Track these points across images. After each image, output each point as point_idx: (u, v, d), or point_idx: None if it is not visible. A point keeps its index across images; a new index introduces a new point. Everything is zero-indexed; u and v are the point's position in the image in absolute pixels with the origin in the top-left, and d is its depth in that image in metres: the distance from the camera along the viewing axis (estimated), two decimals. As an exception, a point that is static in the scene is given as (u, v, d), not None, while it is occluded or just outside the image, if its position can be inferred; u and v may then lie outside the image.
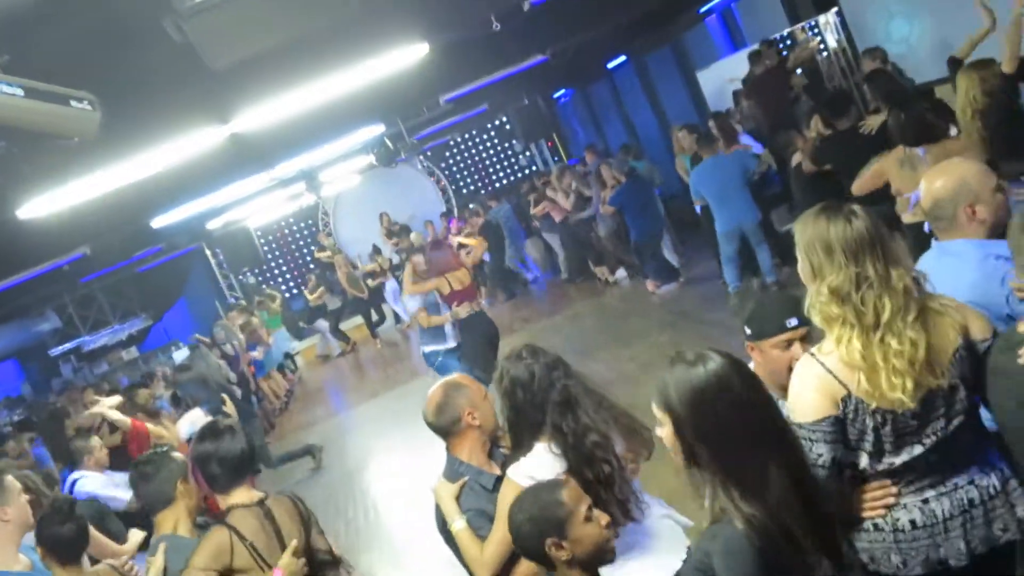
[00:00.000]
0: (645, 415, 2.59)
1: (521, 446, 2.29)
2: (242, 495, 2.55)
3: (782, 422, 1.73)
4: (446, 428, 2.46)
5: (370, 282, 13.96)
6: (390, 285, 13.94)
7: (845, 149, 5.40)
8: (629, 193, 9.15)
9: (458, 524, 2.34)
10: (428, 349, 6.71)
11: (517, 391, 2.28)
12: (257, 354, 11.01)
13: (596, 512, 1.99)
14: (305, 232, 17.53)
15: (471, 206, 14.25)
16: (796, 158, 6.25)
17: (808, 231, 1.97)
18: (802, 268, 2.00)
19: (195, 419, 5.30)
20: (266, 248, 16.70)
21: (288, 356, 13.15)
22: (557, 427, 2.24)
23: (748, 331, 2.13)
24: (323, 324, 14.28)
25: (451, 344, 6.60)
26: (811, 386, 1.90)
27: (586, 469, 2.22)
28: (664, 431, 1.75)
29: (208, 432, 2.60)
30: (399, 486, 6.55)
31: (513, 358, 2.34)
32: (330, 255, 14.80)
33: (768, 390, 1.75)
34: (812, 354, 1.95)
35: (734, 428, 1.66)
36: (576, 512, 1.95)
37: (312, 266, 15.87)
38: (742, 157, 7.24)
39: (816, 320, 1.95)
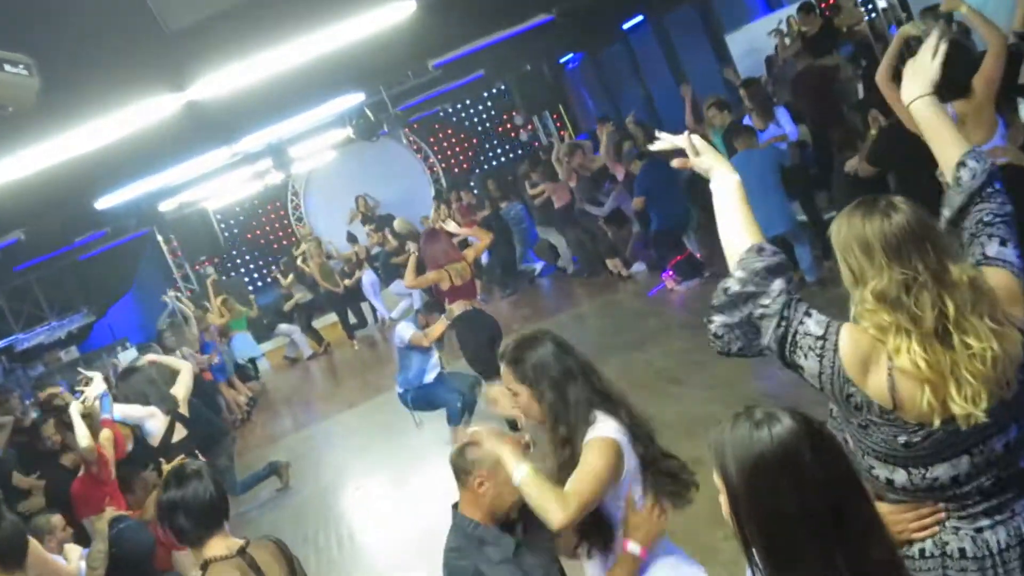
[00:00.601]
0: (660, 433, 2.63)
1: (573, 432, 2.47)
2: (219, 546, 2.54)
3: (862, 505, 1.60)
4: (457, 472, 2.52)
5: (347, 282, 13.99)
6: (367, 278, 13.98)
7: (905, 144, 5.36)
8: (652, 176, 9.18)
9: (522, 470, 2.35)
10: (400, 391, 6.79)
11: (547, 375, 2.50)
12: (213, 357, 11.04)
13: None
14: (272, 216, 17.56)
15: (463, 199, 14.23)
16: (850, 164, 6.18)
17: (843, 231, 1.98)
18: (843, 274, 2.01)
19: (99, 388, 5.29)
20: (227, 234, 16.71)
21: (250, 360, 13.19)
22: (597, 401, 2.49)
23: None
24: (286, 327, 14.32)
25: (430, 376, 6.69)
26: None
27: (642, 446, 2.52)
28: (721, 498, 1.67)
29: (172, 479, 2.59)
30: (380, 511, 6.57)
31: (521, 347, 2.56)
32: (304, 248, 14.84)
33: (848, 460, 1.65)
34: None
35: (792, 515, 1.55)
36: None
37: (281, 257, 15.87)
38: (776, 152, 7.25)
39: (872, 332, 1.93)
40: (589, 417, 2.48)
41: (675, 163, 2.24)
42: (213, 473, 2.67)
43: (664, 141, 2.26)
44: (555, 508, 2.30)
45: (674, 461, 2.57)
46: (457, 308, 6.61)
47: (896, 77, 5.11)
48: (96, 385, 5.32)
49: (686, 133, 2.21)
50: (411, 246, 6.85)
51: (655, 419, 2.58)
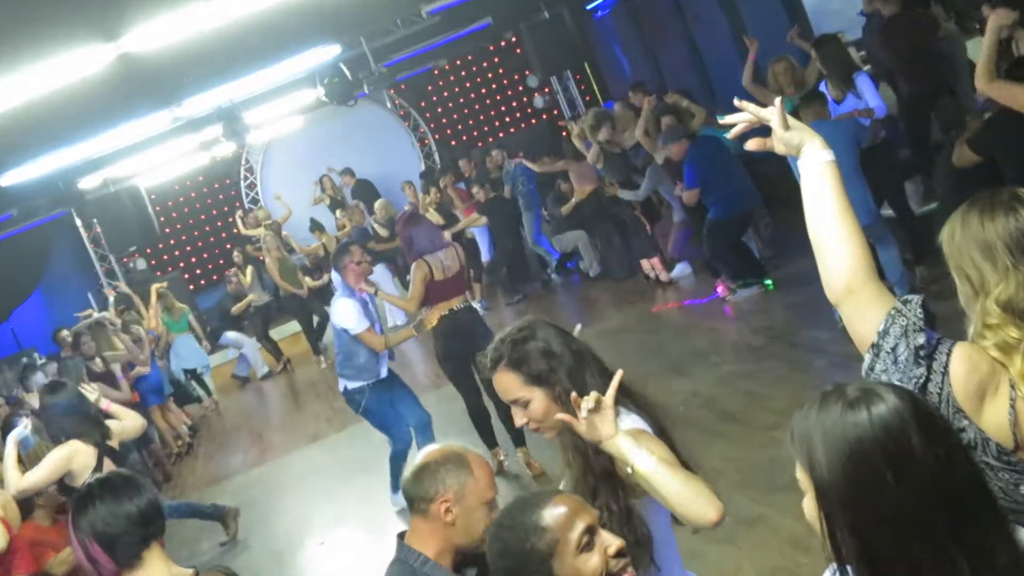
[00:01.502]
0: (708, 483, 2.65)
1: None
2: (159, 570, 2.67)
3: (983, 500, 1.58)
4: (413, 500, 2.65)
5: (312, 282, 14.05)
6: (337, 277, 14.07)
7: (1020, 130, 5.35)
8: (703, 155, 9.17)
9: (646, 460, 2.32)
10: (352, 386, 6.99)
11: (563, 365, 2.61)
12: (143, 368, 11.07)
13: (603, 536, 2.07)
14: (221, 198, 17.67)
15: (463, 173, 14.30)
16: (959, 154, 6.17)
17: (957, 236, 2.00)
18: (961, 291, 2.03)
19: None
20: (163, 220, 16.82)
21: (194, 376, 13.25)
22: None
23: None
24: (235, 336, 14.35)
25: (382, 374, 6.97)
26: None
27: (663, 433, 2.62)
28: (806, 500, 1.66)
29: (96, 489, 2.74)
30: (348, 573, 6.60)
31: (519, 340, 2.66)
32: (262, 232, 14.91)
33: (965, 448, 1.65)
34: None
35: (900, 515, 1.54)
36: (565, 541, 2.01)
37: (231, 248, 15.96)
38: (855, 128, 7.23)
39: (993, 353, 1.93)
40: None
41: (751, 144, 2.19)
42: (142, 480, 2.81)
43: (744, 113, 2.18)
44: (708, 501, 2.27)
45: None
46: (434, 317, 6.90)
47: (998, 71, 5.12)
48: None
49: (777, 101, 2.16)
50: (416, 273, 6.99)
51: (694, 460, 2.61)
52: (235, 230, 16.26)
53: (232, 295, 14.49)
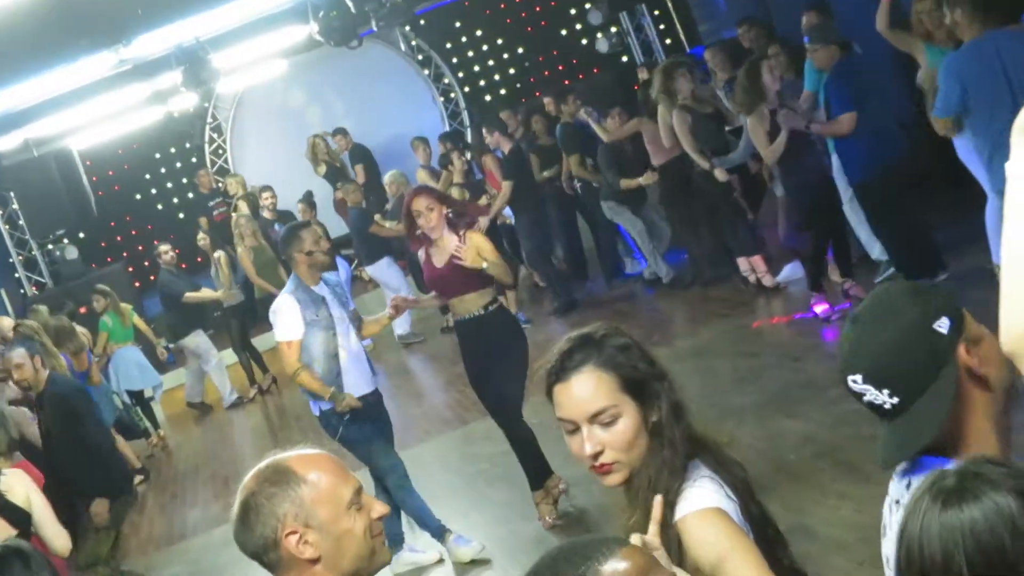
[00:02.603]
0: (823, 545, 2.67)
1: (671, 474, 2.61)
2: None
3: None
4: (256, 554, 2.59)
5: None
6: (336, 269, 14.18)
7: None
8: (852, 73, 9.16)
9: None
10: (326, 406, 7.25)
11: (666, 381, 2.68)
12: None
13: None
14: (178, 166, 17.84)
15: (494, 142, 14.33)
16: None
17: None
18: None
19: None
20: (103, 194, 17.00)
21: (137, 402, 13.37)
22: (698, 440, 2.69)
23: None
24: (198, 343, 14.42)
25: (365, 388, 7.30)
26: None
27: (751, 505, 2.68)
28: None
29: None
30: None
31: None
32: (233, 187, 15.05)
33: None
34: None
35: None
36: None
37: (193, 232, 16.11)
38: None
39: None
40: (687, 465, 2.63)
41: None
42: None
43: None
44: None
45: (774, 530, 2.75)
46: (429, 300, 7.81)
47: None
48: None
49: None
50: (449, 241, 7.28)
51: (808, 527, 2.65)
52: (199, 188, 16.43)
53: (179, 283, 14.49)
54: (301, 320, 7.00)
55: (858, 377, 2.27)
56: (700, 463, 2.61)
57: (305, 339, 7.04)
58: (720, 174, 10.64)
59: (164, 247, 14.29)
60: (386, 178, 14.41)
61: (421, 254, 7.53)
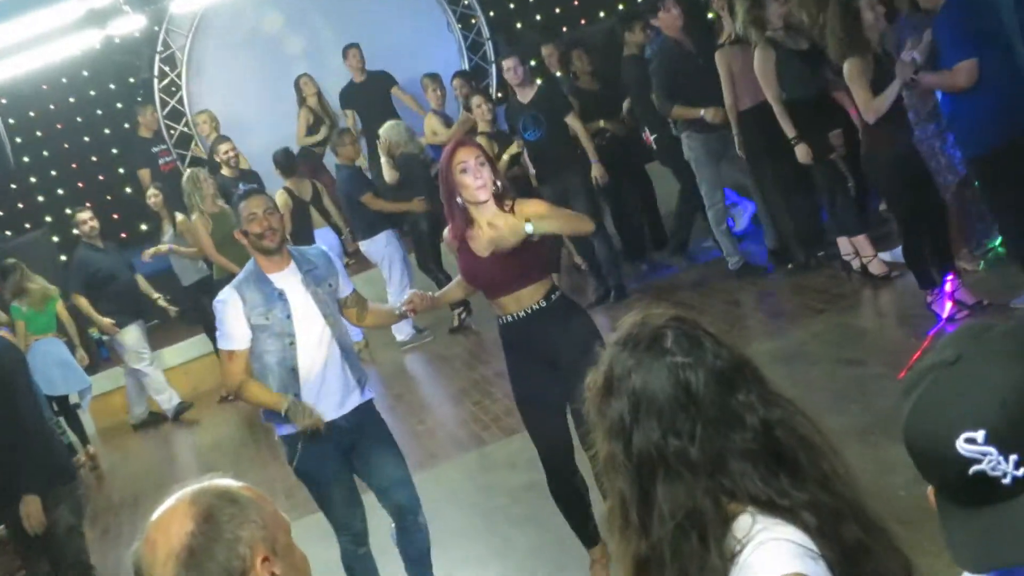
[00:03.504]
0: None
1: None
2: None
3: None
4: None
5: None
6: (322, 241, 14.06)
7: None
8: (967, 16, 9.01)
9: None
10: (284, 430, 7.04)
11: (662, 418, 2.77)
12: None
13: None
14: (119, 106, 17.80)
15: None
16: None
17: None
18: None
19: None
20: (21, 142, 17.01)
21: (60, 410, 13.35)
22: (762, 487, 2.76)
23: None
24: (133, 340, 14.40)
25: (333, 412, 7.01)
26: None
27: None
28: None
29: None
30: None
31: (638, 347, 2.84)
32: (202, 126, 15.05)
33: None
34: None
35: None
36: None
37: (132, 192, 16.13)
38: None
39: None
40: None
41: None
42: None
43: None
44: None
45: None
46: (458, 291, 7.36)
47: None
48: None
49: None
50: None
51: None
52: (138, 131, 16.43)
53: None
54: (245, 323, 6.80)
55: (979, 435, 2.12)
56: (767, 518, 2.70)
57: (255, 346, 6.87)
58: (802, 152, 10.57)
59: (83, 215, 14.27)
60: (383, 129, 14.25)
61: (444, 232, 7.14)
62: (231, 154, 15.02)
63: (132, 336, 14.32)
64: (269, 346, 6.84)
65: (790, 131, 10.78)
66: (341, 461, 7.07)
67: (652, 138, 13.52)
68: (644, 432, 2.79)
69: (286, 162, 14.73)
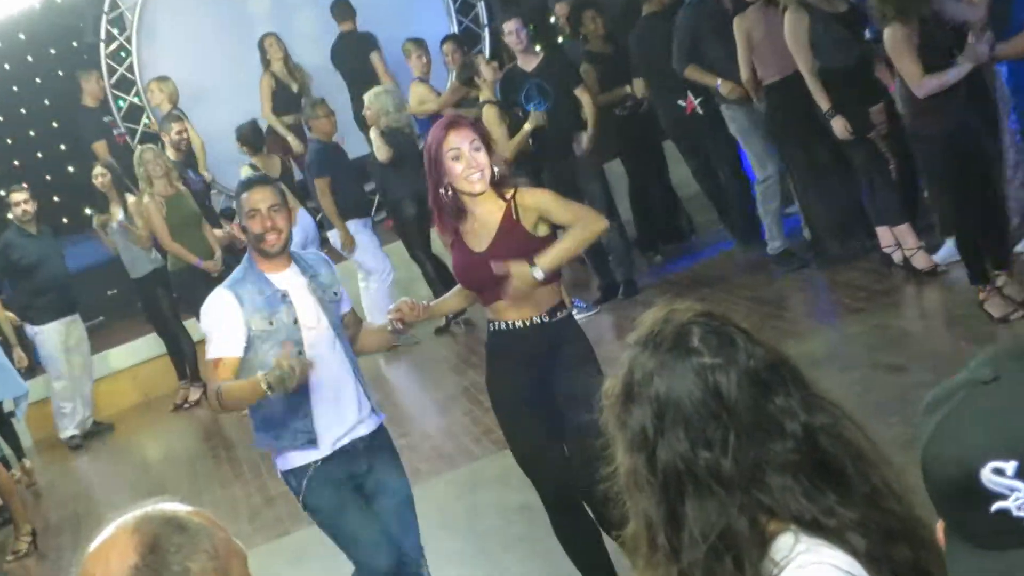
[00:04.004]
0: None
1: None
2: None
3: None
4: None
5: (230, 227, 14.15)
6: (300, 224, 14.08)
7: None
8: None
9: None
10: (288, 465, 6.82)
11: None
12: None
13: None
14: (60, 74, 17.82)
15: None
16: None
17: None
18: None
19: None
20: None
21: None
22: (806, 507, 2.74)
23: None
24: (47, 336, 14.38)
25: (340, 429, 6.83)
26: None
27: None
28: None
29: None
30: None
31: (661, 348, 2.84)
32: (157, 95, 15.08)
33: None
34: None
35: None
36: None
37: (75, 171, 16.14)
38: None
39: None
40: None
41: None
42: None
43: None
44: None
45: None
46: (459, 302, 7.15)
47: None
48: None
49: None
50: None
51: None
52: (83, 99, 16.46)
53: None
54: (243, 330, 6.51)
55: (1010, 466, 2.06)
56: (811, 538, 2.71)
57: (253, 358, 6.56)
58: (839, 126, 10.60)
59: (17, 195, 14.27)
60: (368, 95, 14.22)
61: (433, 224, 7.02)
62: (184, 135, 15.04)
63: (49, 336, 14.37)
64: (271, 356, 6.46)
65: (824, 103, 10.72)
66: (355, 490, 6.86)
67: (696, 102, 13.29)
68: (670, 443, 2.75)
69: (254, 138, 14.75)
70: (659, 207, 14.57)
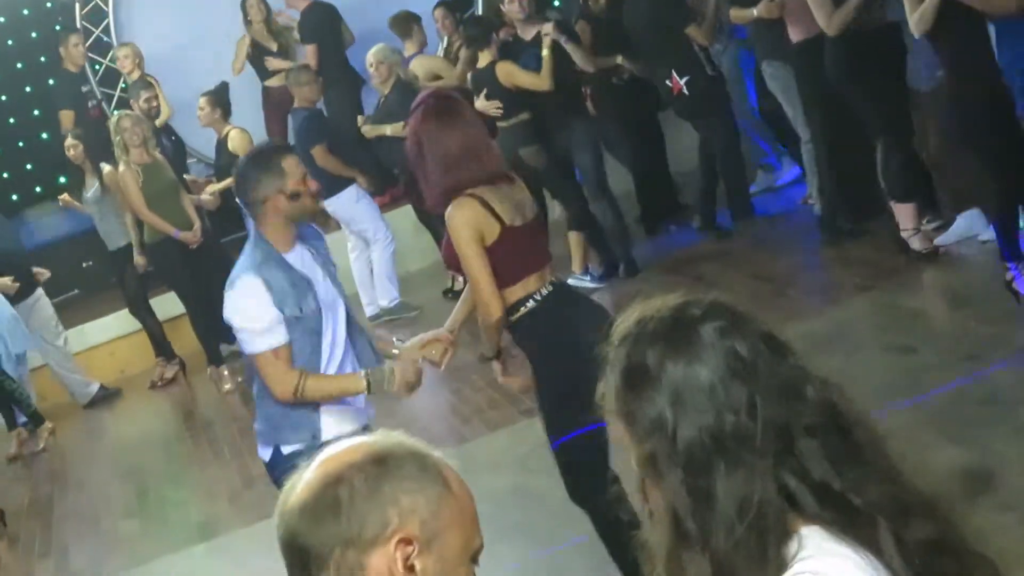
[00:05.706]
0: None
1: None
2: None
3: None
4: (312, 550, 2.56)
5: (209, 194, 14.18)
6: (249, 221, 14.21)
7: None
8: None
9: None
10: (287, 448, 6.70)
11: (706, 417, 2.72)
12: None
13: None
14: (33, 35, 17.79)
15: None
16: None
17: None
18: None
19: None
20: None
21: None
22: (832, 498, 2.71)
23: None
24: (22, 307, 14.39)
25: (349, 424, 6.83)
26: None
27: None
28: None
29: None
30: None
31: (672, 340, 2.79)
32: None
33: None
34: None
35: None
36: None
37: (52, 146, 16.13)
38: None
39: None
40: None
41: None
42: None
43: None
44: None
45: None
46: (492, 305, 6.68)
47: None
48: None
49: None
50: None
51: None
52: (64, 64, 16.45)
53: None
54: (277, 317, 6.34)
55: None
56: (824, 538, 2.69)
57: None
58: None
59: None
60: (371, 54, 14.36)
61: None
62: (153, 103, 15.03)
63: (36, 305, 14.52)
64: (300, 347, 6.48)
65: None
66: None
67: (683, 82, 13.30)
68: (691, 419, 2.71)
69: (228, 101, 14.88)
70: (663, 183, 14.58)
